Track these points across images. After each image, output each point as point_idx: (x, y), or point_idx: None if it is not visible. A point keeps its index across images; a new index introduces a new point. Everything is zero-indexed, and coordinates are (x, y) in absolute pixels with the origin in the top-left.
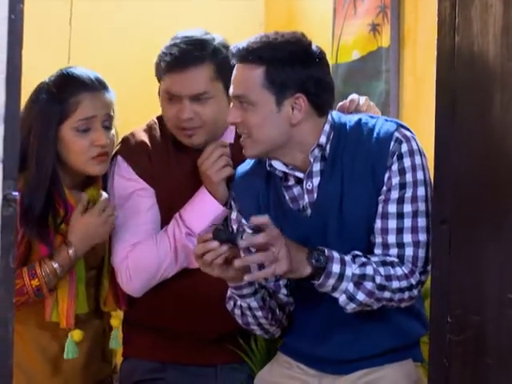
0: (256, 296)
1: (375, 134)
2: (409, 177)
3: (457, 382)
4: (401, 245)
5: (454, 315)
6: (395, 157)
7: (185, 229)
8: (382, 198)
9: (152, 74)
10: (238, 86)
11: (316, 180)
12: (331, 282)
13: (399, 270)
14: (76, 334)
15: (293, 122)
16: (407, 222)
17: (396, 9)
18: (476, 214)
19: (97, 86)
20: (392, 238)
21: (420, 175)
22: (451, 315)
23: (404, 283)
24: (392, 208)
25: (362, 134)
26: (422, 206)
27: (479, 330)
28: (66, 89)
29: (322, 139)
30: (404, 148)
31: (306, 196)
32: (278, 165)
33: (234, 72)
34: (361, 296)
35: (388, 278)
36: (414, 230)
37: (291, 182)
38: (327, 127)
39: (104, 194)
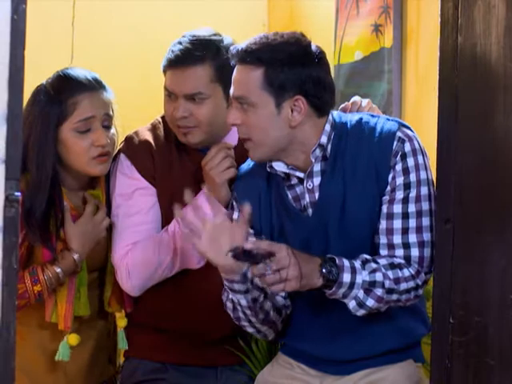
0: (247, 295)
1: (377, 134)
2: (413, 176)
3: (459, 382)
4: (406, 245)
5: (456, 316)
6: (398, 156)
7: (185, 229)
8: (386, 198)
9: (155, 74)
10: (238, 87)
11: (317, 180)
12: (342, 290)
13: (406, 272)
14: (71, 338)
15: (292, 124)
16: (412, 222)
17: (398, 9)
18: (479, 214)
19: (94, 86)
20: (398, 239)
21: (423, 174)
22: (454, 316)
23: (411, 284)
24: (397, 208)
25: (364, 133)
26: (425, 206)
27: (481, 331)
28: (64, 90)
29: (323, 139)
30: (407, 147)
31: (306, 195)
32: (278, 166)
33: (234, 73)
34: (370, 302)
35: (396, 280)
36: (419, 229)
37: (293, 181)
38: (328, 127)
39: (92, 200)
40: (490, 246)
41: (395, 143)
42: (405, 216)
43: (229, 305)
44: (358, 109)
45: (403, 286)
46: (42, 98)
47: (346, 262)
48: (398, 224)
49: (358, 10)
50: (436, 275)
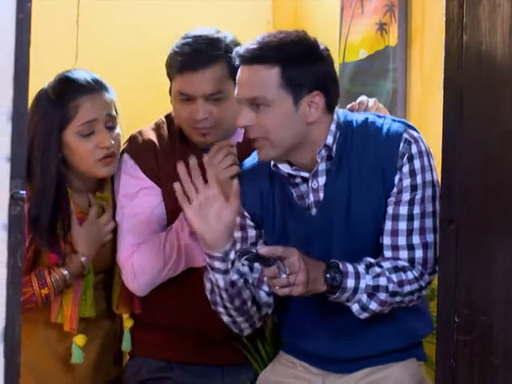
0: (225, 276)
1: (383, 134)
2: (419, 178)
3: (464, 382)
4: (411, 247)
5: (461, 315)
6: (405, 158)
7: (189, 228)
8: (392, 199)
9: (159, 73)
10: (252, 87)
11: (322, 179)
12: (346, 295)
13: (410, 275)
14: (78, 339)
15: (310, 120)
16: (416, 224)
17: (403, 8)
18: (484, 214)
19: (95, 88)
20: (402, 240)
21: (429, 176)
22: (458, 315)
23: (415, 286)
24: (403, 210)
25: (370, 134)
26: (429, 207)
27: (486, 330)
28: (65, 94)
29: (329, 140)
30: (414, 149)
31: (311, 195)
32: (284, 166)
33: (243, 74)
34: (373, 305)
35: (400, 283)
36: (422, 231)
37: (298, 179)
38: (333, 127)
39: (96, 203)
40: (494, 244)
41: (402, 145)
42: (410, 218)
43: (208, 285)
44: (365, 109)
45: (407, 288)
46: (44, 102)
47: (350, 268)
48: (403, 225)
49: (362, 8)
50: (441, 274)
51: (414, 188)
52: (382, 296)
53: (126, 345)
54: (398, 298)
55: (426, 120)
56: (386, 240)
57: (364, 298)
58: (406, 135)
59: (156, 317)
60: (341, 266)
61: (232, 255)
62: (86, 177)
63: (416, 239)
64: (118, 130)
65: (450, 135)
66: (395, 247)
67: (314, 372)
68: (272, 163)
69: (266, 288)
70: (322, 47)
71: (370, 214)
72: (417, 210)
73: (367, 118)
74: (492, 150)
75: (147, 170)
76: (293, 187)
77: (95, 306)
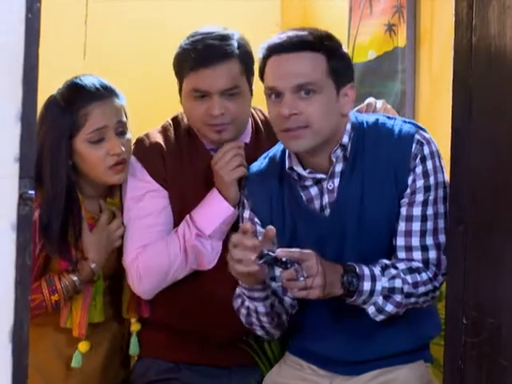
0: (265, 301)
1: (395, 136)
2: (432, 179)
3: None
4: (424, 248)
5: (469, 317)
6: (418, 159)
7: (195, 230)
8: (405, 200)
9: (167, 73)
10: (304, 73)
11: (337, 180)
12: (362, 298)
13: (425, 276)
14: (82, 345)
15: (345, 111)
16: (429, 225)
17: (412, 9)
18: (492, 215)
19: (104, 94)
20: (416, 241)
21: (440, 177)
22: (467, 317)
23: (429, 287)
24: (417, 211)
25: (381, 135)
26: (441, 208)
27: (495, 332)
28: (74, 101)
29: (345, 139)
30: (426, 150)
31: (326, 196)
32: (298, 168)
33: (289, 62)
34: (389, 307)
35: (415, 284)
36: (436, 231)
37: (308, 182)
38: (349, 126)
39: (107, 209)
40: (503, 246)
41: (414, 146)
42: (423, 219)
43: (243, 311)
44: (373, 110)
45: (421, 289)
46: (54, 109)
47: (366, 271)
48: (416, 226)
49: (371, 9)
50: (449, 276)
51: (427, 189)
52: (398, 298)
53: (134, 349)
54: (412, 300)
55: (435, 121)
56: (400, 241)
57: (380, 300)
58: (417, 136)
59: (164, 319)
60: (357, 270)
61: (268, 280)
62: (96, 183)
63: (429, 240)
64: (128, 135)
65: (458, 136)
66: (409, 248)
67: (321, 374)
68: (287, 165)
69: (290, 294)
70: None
71: (382, 215)
72: (430, 210)
73: (378, 120)
74: (501, 151)
75: (154, 173)
76: (302, 190)
77: (104, 311)
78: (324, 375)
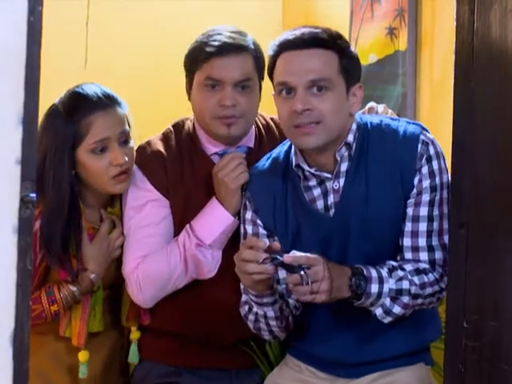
0: (274, 306)
1: (400, 136)
2: (438, 180)
3: None
4: (431, 248)
5: (470, 321)
6: (424, 159)
7: (195, 239)
8: (411, 201)
9: (169, 75)
10: (314, 70)
11: (342, 180)
12: (370, 300)
13: (431, 277)
14: (82, 355)
15: (353, 111)
16: (436, 225)
17: (413, 13)
18: (494, 218)
19: (107, 104)
20: (423, 242)
21: (445, 178)
22: (467, 321)
23: (436, 288)
24: (423, 211)
25: (386, 135)
26: (446, 209)
27: (495, 336)
28: (75, 111)
29: (350, 138)
30: (432, 150)
31: (332, 195)
32: (305, 166)
33: (302, 58)
34: (397, 309)
35: (422, 286)
36: (441, 232)
37: (312, 182)
38: (354, 126)
39: (108, 219)
40: (504, 250)
41: (420, 146)
42: (430, 219)
43: (251, 317)
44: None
45: (428, 290)
46: (55, 119)
47: (374, 273)
48: (423, 227)
49: (372, 12)
50: (450, 279)
51: (433, 189)
52: (405, 299)
53: (133, 357)
54: (419, 301)
55: (436, 125)
56: (406, 241)
57: (387, 301)
58: (422, 137)
59: (164, 325)
60: (365, 272)
61: (275, 284)
62: (99, 192)
63: (435, 240)
64: (131, 143)
65: (459, 140)
66: (415, 248)
67: (321, 377)
68: (294, 163)
69: (294, 296)
70: None
71: (387, 215)
72: (436, 211)
73: (382, 121)
74: (502, 155)
75: (156, 182)
76: (305, 191)
77: (103, 320)
78: (324, 378)
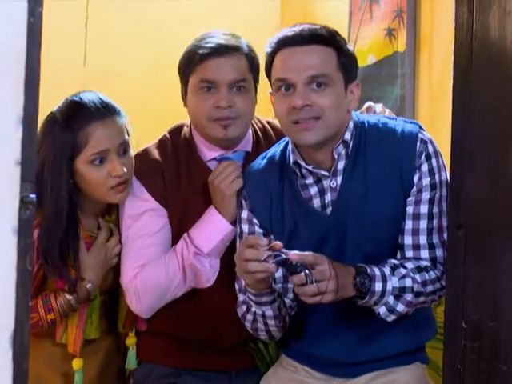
0: (273, 305)
1: (398, 135)
2: (437, 177)
3: None
4: (431, 246)
5: (469, 321)
6: (423, 157)
7: (193, 248)
8: (411, 199)
9: (168, 76)
10: (314, 66)
11: (340, 178)
12: (374, 299)
13: (433, 274)
14: (76, 363)
15: (350, 108)
16: (436, 223)
17: (412, 14)
18: (492, 220)
19: (105, 114)
20: (423, 239)
21: (444, 176)
22: (466, 321)
23: (437, 285)
24: (423, 209)
25: (383, 134)
26: (445, 206)
27: (494, 337)
28: (74, 121)
29: (347, 136)
30: (430, 149)
31: (329, 194)
32: (303, 163)
33: (301, 54)
34: (400, 307)
35: (424, 283)
36: (441, 230)
37: (309, 180)
38: (351, 124)
39: (105, 227)
40: (502, 251)
41: (418, 144)
42: (430, 217)
43: (248, 317)
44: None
45: (430, 288)
46: (53, 128)
47: (377, 271)
48: (423, 224)
49: (371, 13)
50: (448, 280)
51: (433, 187)
52: (409, 297)
53: (131, 363)
54: (422, 299)
55: (435, 126)
56: (407, 239)
57: (391, 300)
58: (420, 135)
59: (163, 327)
60: (368, 270)
61: (272, 284)
62: (97, 201)
63: (436, 238)
64: (130, 153)
65: (458, 141)
66: (416, 246)
67: (317, 377)
68: (292, 160)
69: (290, 295)
70: None
71: (386, 214)
72: (436, 209)
73: (379, 119)
74: (500, 156)
75: (154, 191)
76: (302, 189)
77: (100, 327)
78: (320, 378)
